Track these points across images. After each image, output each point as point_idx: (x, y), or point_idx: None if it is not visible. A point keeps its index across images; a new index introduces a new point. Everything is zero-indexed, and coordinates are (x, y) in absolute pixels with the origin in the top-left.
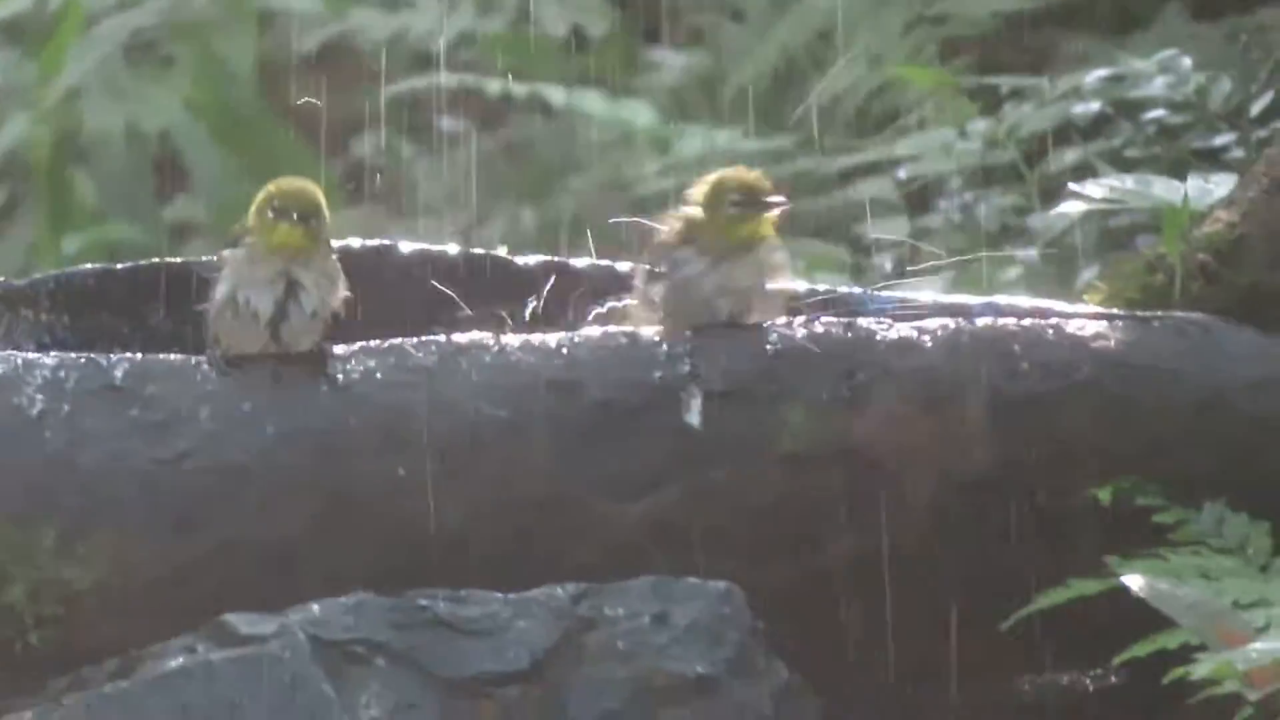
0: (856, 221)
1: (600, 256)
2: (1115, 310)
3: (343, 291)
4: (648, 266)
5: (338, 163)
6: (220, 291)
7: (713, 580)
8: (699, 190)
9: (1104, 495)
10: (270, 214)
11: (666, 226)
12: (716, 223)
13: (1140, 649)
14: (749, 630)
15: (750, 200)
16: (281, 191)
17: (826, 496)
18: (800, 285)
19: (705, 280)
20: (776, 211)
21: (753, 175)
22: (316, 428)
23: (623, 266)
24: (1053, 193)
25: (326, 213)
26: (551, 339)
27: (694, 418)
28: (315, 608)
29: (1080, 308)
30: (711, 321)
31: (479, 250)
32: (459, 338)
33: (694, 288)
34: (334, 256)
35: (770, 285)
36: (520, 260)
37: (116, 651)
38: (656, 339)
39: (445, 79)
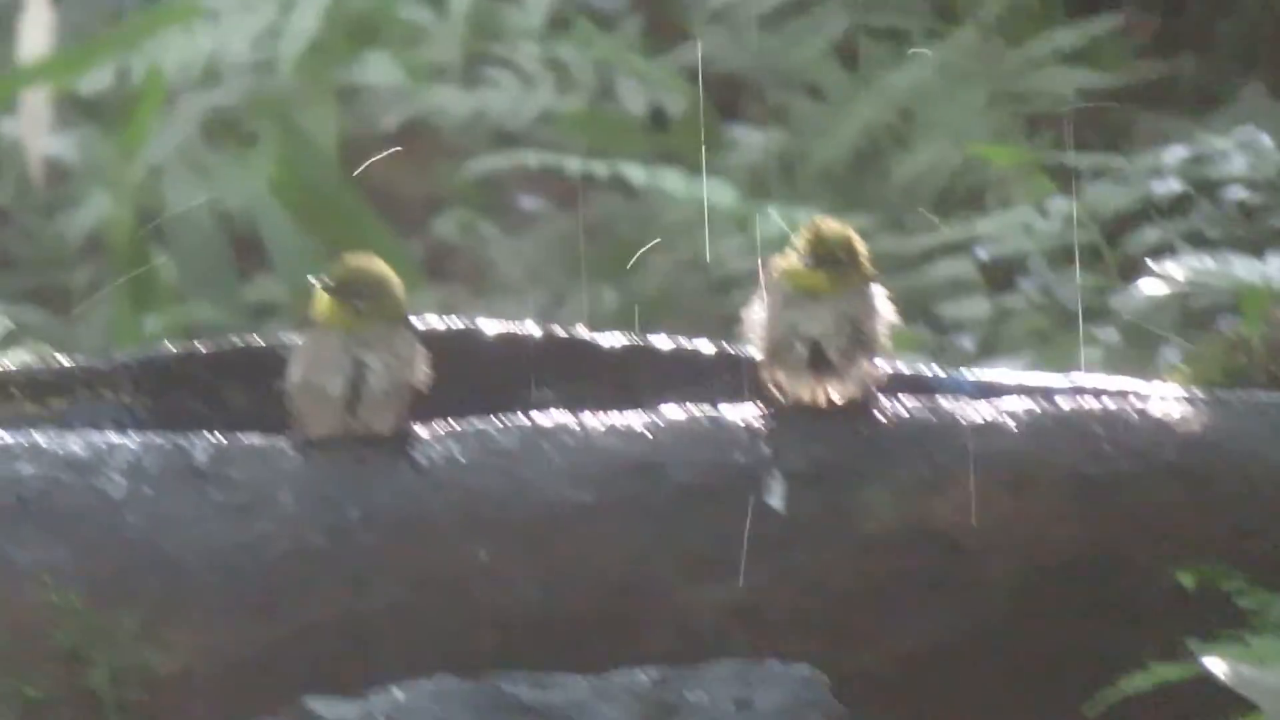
0: (937, 301)
1: (680, 335)
2: (1197, 391)
3: (422, 368)
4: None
5: (418, 241)
6: (294, 373)
7: (795, 664)
8: (801, 234)
9: (1187, 579)
10: (322, 291)
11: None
12: (793, 269)
13: None
14: (832, 714)
15: (821, 256)
16: (337, 269)
17: (909, 578)
18: (883, 366)
19: (780, 320)
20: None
21: (836, 232)
22: (399, 511)
23: (703, 346)
24: (1133, 271)
25: (392, 289)
26: (634, 421)
27: (776, 500)
28: (397, 691)
29: (1162, 388)
30: (796, 362)
31: (559, 329)
32: (542, 420)
33: (772, 327)
34: (409, 333)
35: (858, 329)
36: (600, 339)
37: None
38: (739, 421)
39: (525, 157)
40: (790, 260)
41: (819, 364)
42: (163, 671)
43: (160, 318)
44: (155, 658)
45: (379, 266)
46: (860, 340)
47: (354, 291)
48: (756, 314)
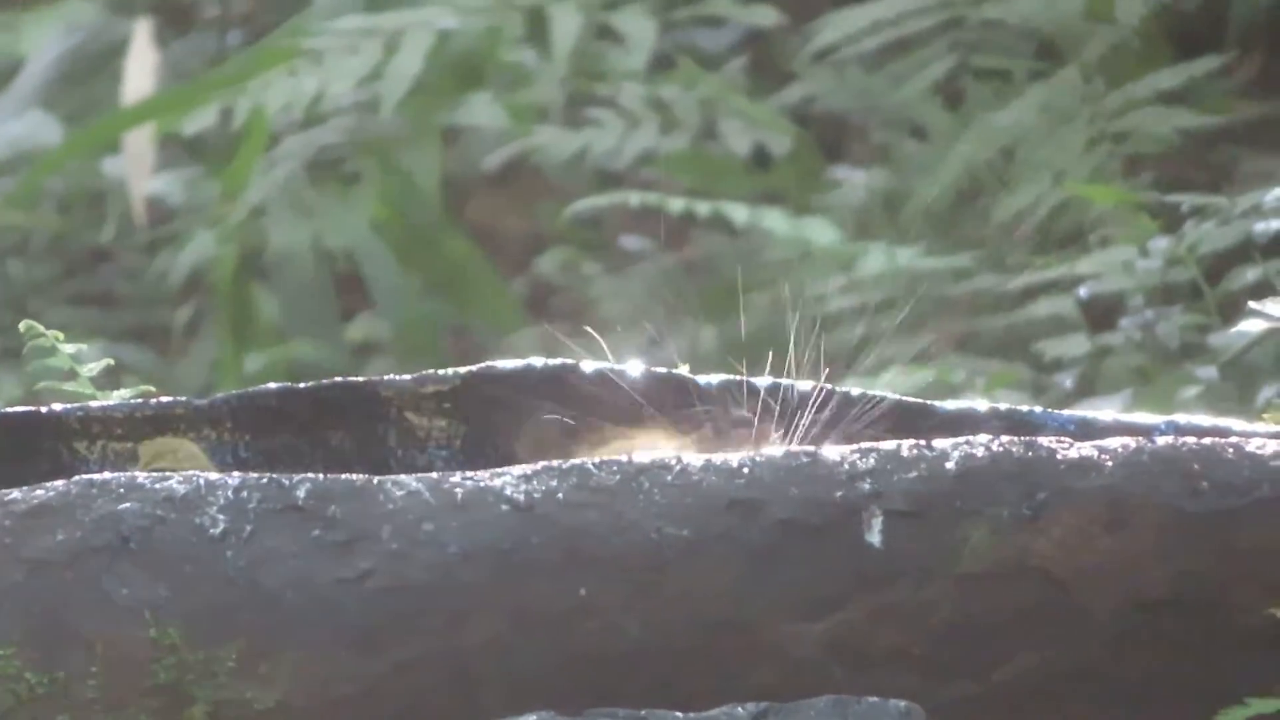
0: (1036, 339)
1: (781, 375)
2: None
3: None
4: None
5: (520, 280)
6: None
7: (894, 699)
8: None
9: None
10: None
11: None
12: None
13: None
14: None
15: None
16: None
17: (1007, 615)
18: (980, 404)
19: None
20: None
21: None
22: (498, 547)
23: (802, 386)
24: (1233, 311)
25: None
26: (733, 458)
27: (875, 537)
28: None
29: (1260, 427)
30: None
31: (661, 369)
32: (640, 457)
33: None
34: None
35: None
36: (702, 379)
37: None
38: (838, 457)
39: (628, 197)
40: None
41: None
42: (261, 707)
43: (261, 356)
44: (254, 693)
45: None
46: None
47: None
48: None
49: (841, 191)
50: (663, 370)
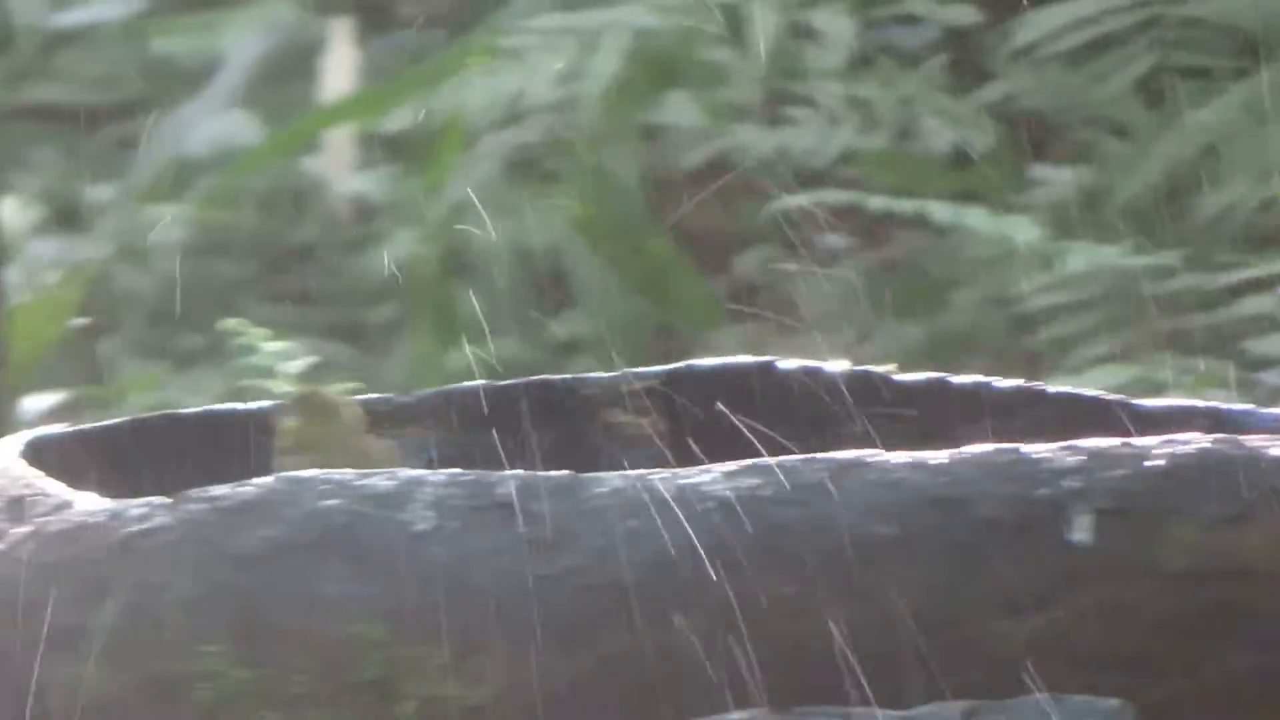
0: (1243, 338)
1: (984, 373)
2: None
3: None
4: None
5: (722, 279)
6: None
7: (1101, 697)
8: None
9: None
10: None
11: None
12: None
13: None
14: None
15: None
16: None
17: (1214, 612)
18: (1186, 402)
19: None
20: None
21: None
22: (702, 545)
23: (1004, 384)
24: None
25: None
26: (937, 456)
27: (1080, 535)
28: None
29: None
30: None
31: (862, 367)
32: (844, 455)
33: None
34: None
35: None
36: (902, 377)
37: None
38: (1042, 455)
39: (828, 195)
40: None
41: None
42: (470, 704)
43: (463, 354)
44: (462, 690)
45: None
46: None
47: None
48: None
49: (1042, 190)
50: (865, 369)
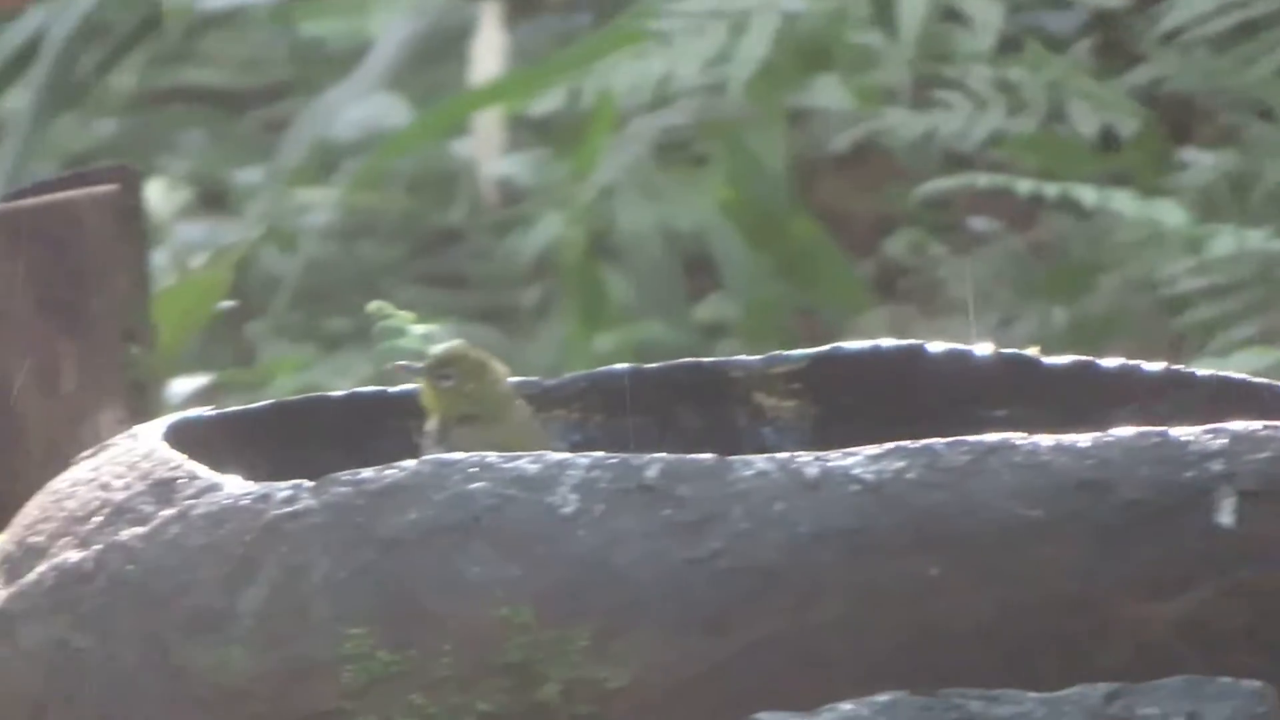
0: None
1: (1130, 356)
2: None
3: (541, 436)
4: None
5: (869, 262)
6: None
7: (1246, 680)
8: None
9: None
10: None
11: None
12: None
13: None
14: None
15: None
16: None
17: None
18: None
19: None
20: None
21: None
22: (848, 527)
23: (1150, 367)
24: None
25: (485, 364)
26: (1082, 439)
27: (1226, 517)
28: (847, 706)
29: None
30: None
31: (1008, 350)
32: (990, 438)
33: None
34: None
35: None
36: (1048, 360)
37: None
38: (1188, 438)
39: (975, 178)
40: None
41: None
42: (613, 686)
43: (610, 337)
44: (606, 673)
45: (470, 348)
46: None
47: (442, 373)
48: None
49: (1190, 173)
50: (1012, 351)
